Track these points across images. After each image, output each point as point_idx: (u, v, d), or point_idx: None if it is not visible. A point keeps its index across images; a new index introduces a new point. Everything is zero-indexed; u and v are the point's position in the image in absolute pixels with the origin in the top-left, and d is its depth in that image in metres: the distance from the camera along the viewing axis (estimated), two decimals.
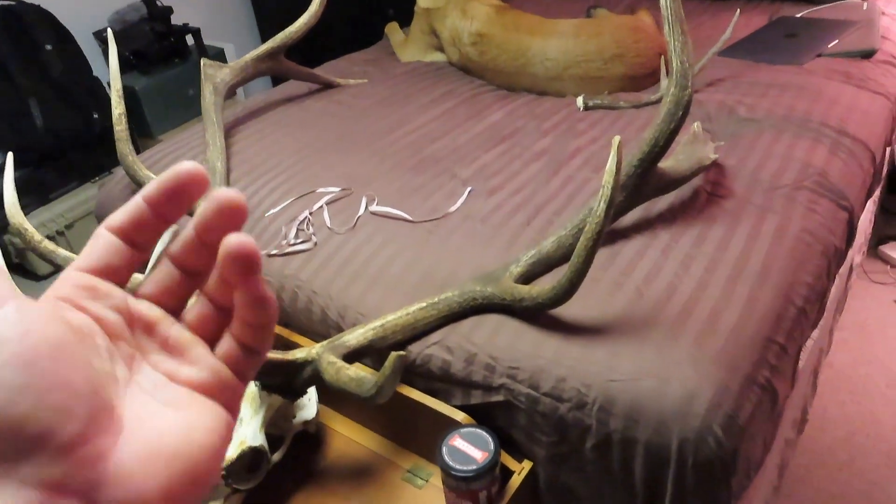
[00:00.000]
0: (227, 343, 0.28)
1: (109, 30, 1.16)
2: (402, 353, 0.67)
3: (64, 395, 0.23)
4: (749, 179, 1.08)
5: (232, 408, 0.27)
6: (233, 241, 0.25)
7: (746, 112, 1.28)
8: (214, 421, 0.26)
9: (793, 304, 0.89)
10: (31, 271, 2.28)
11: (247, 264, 0.26)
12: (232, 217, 0.26)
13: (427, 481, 0.96)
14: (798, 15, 1.71)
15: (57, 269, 1.01)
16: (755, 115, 1.26)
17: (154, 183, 0.27)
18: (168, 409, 0.26)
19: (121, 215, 0.27)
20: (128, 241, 0.27)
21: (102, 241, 0.27)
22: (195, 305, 0.28)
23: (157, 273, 0.28)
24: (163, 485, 0.24)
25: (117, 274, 0.27)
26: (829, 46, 1.52)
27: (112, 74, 1.14)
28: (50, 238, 2.23)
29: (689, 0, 1.93)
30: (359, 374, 0.77)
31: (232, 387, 0.27)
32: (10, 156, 0.96)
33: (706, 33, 1.70)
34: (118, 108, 1.15)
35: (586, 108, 1.40)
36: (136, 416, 0.24)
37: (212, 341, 0.28)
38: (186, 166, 0.27)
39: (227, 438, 0.26)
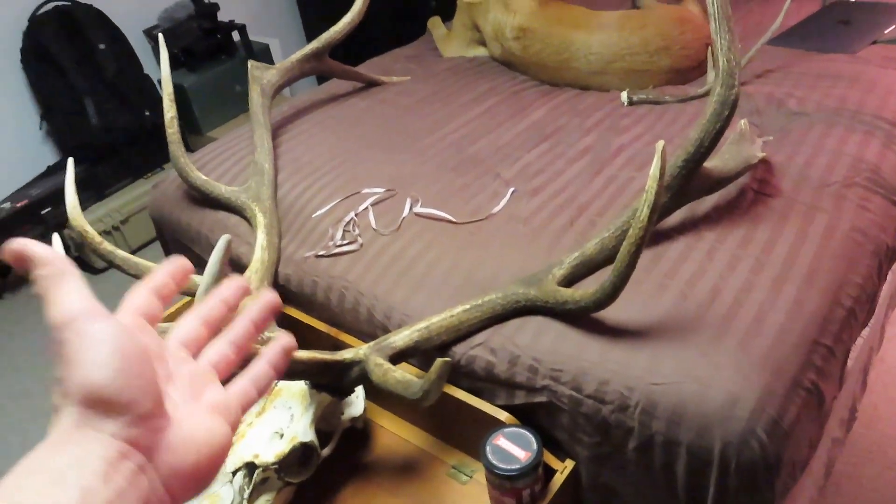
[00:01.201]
0: (241, 384, 0.40)
1: (161, 35, 1.19)
2: (447, 359, 0.69)
3: (143, 382, 0.33)
4: (797, 177, 1.06)
5: (232, 420, 0.38)
6: (272, 300, 0.43)
7: (796, 105, 1.25)
8: (224, 431, 0.37)
9: (841, 306, 0.88)
10: (89, 265, 2.39)
11: (276, 310, 0.43)
12: (245, 294, 0.44)
13: (471, 477, 0.98)
14: (853, 0, 1.65)
15: (112, 266, 1.06)
16: (805, 109, 1.24)
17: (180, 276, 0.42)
18: (198, 412, 0.37)
19: (152, 283, 0.40)
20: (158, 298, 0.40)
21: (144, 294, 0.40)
22: (219, 349, 0.40)
23: (186, 328, 0.40)
24: (193, 462, 0.35)
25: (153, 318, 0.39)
26: (886, 32, 1.47)
27: (164, 79, 1.18)
28: (106, 233, 2.33)
29: None
30: (405, 377, 0.79)
31: (235, 413, 0.38)
32: (70, 161, 1.01)
33: (755, 20, 1.66)
34: (170, 111, 1.19)
35: (630, 103, 1.39)
36: (175, 414, 0.35)
37: (224, 374, 0.40)
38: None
39: (229, 445, 0.37)
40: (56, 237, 0.92)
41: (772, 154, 1.11)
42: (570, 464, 0.90)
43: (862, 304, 0.93)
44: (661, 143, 0.75)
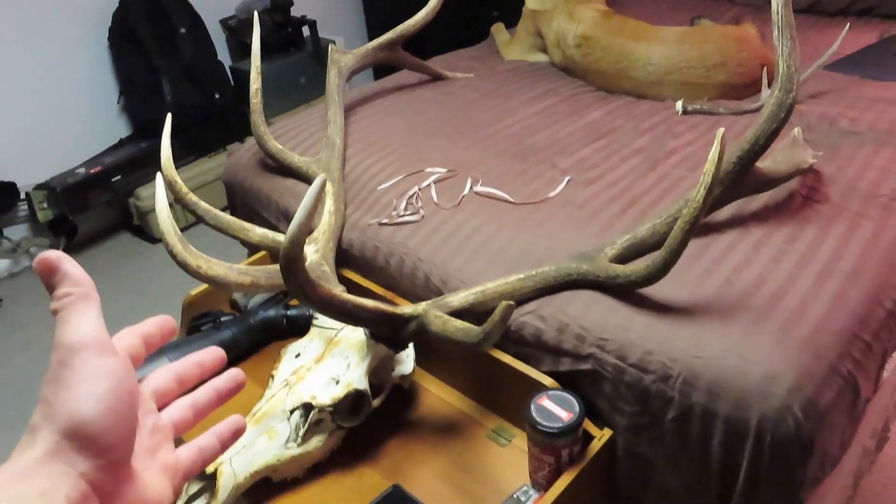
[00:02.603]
0: (188, 451, 0.42)
1: (256, 14, 1.29)
2: (511, 302, 0.75)
3: (125, 429, 0.34)
4: (846, 187, 1.10)
5: (176, 486, 0.40)
6: (237, 375, 0.46)
7: (848, 124, 1.30)
8: (168, 495, 0.38)
9: (881, 306, 0.92)
10: (148, 234, 2.51)
11: (240, 386, 0.46)
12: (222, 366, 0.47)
13: (510, 441, 1.04)
14: None
15: (194, 215, 1.14)
16: (857, 129, 1.28)
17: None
18: (153, 468, 0.38)
19: (142, 329, 0.42)
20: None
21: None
22: (180, 409, 0.43)
23: (158, 378, 0.43)
24: None
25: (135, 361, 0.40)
26: None
27: (253, 53, 1.27)
28: (170, 205, 2.44)
29: (796, 13, 1.93)
30: (465, 325, 0.85)
31: (180, 479, 0.40)
32: (168, 116, 1.10)
33: (812, 47, 1.70)
34: (256, 83, 1.28)
35: (685, 112, 1.44)
36: (134, 465, 0.36)
37: (179, 434, 0.42)
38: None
39: (173, 499, 0.39)
40: (159, 177, 1.01)
41: (822, 166, 1.16)
42: (608, 432, 0.95)
43: None
44: (721, 130, 0.80)
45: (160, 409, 0.42)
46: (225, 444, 0.43)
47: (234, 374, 0.45)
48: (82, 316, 0.34)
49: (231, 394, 0.45)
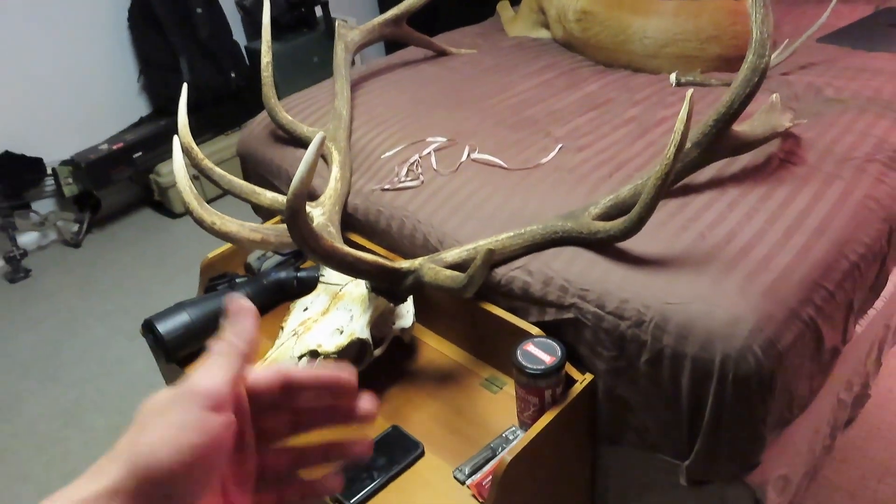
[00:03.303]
0: None
1: None
2: (491, 247, 0.83)
3: (199, 488, 0.32)
4: (822, 150, 1.16)
5: None
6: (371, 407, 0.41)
7: (833, 93, 1.35)
8: None
9: (845, 258, 0.98)
10: (169, 210, 2.61)
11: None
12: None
13: (501, 389, 1.12)
14: None
15: (209, 178, 1.23)
16: (841, 96, 1.33)
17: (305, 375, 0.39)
18: (238, 492, 0.36)
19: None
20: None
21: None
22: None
23: (265, 379, 0.38)
24: None
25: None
26: None
27: (264, 28, 1.35)
28: (194, 178, 2.55)
29: None
30: (453, 273, 0.94)
31: None
32: (185, 86, 1.18)
33: (808, 21, 1.74)
34: (266, 56, 1.36)
35: (678, 84, 1.50)
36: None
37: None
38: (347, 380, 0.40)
39: None
40: (176, 140, 1.10)
41: (802, 131, 1.22)
42: (589, 376, 1.03)
43: (868, 263, 1.03)
44: (690, 91, 0.87)
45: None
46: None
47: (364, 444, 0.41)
48: (220, 365, 0.34)
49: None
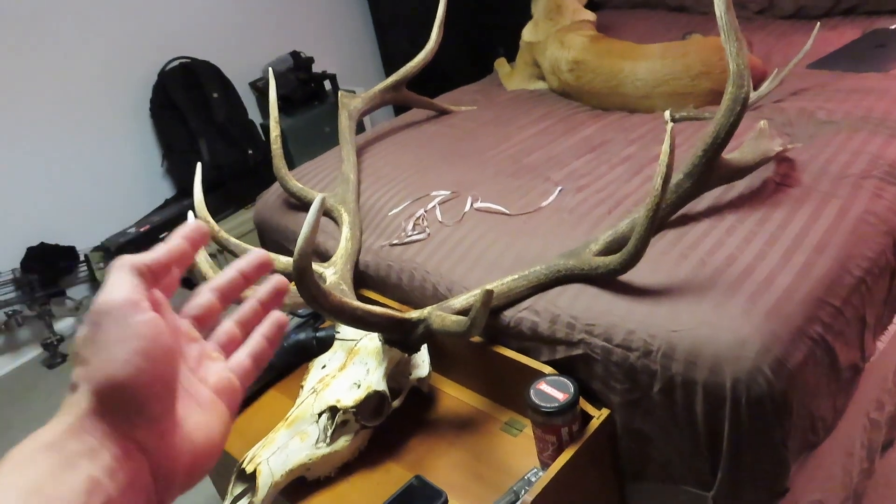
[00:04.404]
0: (239, 358, 0.41)
1: (271, 70, 1.46)
2: (490, 288, 0.86)
3: (161, 387, 0.34)
4: (817, 171, 1.17)
5: (232, 408, 0.39)
6: (279, 282, 0.44)
7: (825, 115, 1.37)
8: (222, 422, 0.38)
9: (849, 273, 0.98)
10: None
11: (282, 293, 0.44)
12: (265, 271, 0.44)
13: (521, 431, 1.12)
14: (892, 27, 1.76)
15: (226, 250, 1.28)
16: (833, 118, 1.35)
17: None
18: (197, 410, 0.37)
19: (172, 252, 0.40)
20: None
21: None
22: (226, 329, 0.42)
23: (200, 301, 0.41)
24: (188, 465, 0.36)
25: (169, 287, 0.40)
26: None
27: (271, 103, 1.44)
28: (212, 256, 2.63)
29: (784, 19, 2.02)
30: (458, 318, 0.96)
31: (235, 392, 0.40)
32: (199, 165, 1.26)
33: (797, 50, 1.78)
34: (275, 130, 1.44)
35: (673, 120, 1.54)
36: (179, 410, 0.36)
37: (230, 353, 0.42)
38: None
39: (226, 435, 0.38)
40: (190, 213, 1.16)
41: (797, 155, 1.23)
42: (605, 411, 1.03)
43: (875, 277, 1.03)
44: (670, 124, 0.90)
45: (207, 330, 0.41)
46: (273, 342, 0.42)
47: (276, 282, 0.43)
48: (118, 279, 0.35)
49: (275, 302, 0.43)
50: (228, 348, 0.42)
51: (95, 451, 0.32)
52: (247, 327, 0.43)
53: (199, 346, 0.40)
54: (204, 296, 0.41)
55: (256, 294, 0.43)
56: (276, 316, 0.43)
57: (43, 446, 0.31)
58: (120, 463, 0.32)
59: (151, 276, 0.37)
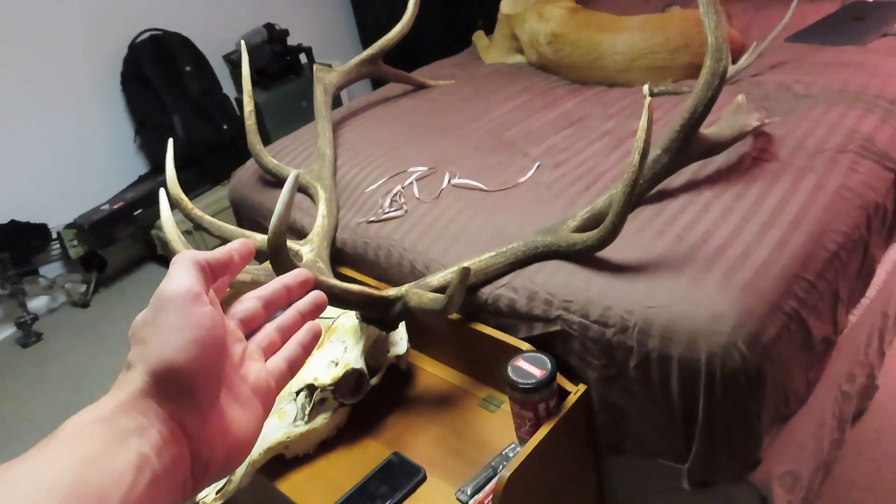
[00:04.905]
0: (277, 362, 0.44)
1: (243, 42, 1.42)
2: (466, 265, 0.85)
3: (211, 376, 0.36)
4: (794, 146, 1.17)
5: (267, 407, 0.42)
6: (319, 298, 0.47)
7: (803, 89, 1.37)
8: (257, 419, 0.41)
9: (824, 248, 0.99)
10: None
11: (321, 307, 0.48)
12: (307, 288, 0.47)
13: (499, 407, 1.13)
14: (870, 0, 1.76)
15: (200, 228, 1.26)
16: (811, 92, 1.35)
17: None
18: (236, 405, 0.40)
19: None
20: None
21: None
22: (268, 334, 0.45)
23: (246, 306, 0.44)
24: (223, 456, 0.38)
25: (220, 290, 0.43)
26: None
27: (244, 77, 1.40)
28: (187, 233, 2.59)
29: None
30: (435, 295, 0.95)
31: (271, 392, 0.42)
32: (171, 141, 1.23)
33: (776, 23, 1.77)
34: (248, 105, 1.41)
35: (652, 94, 1.53)
36: (223, 406, 0.39)
37: (269, 356, 0.45)
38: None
39: (259, 431, 0.41)
40: (162, 192, 1.13)
41: (773, 129, 1.23)
42: (582, 387, 1.03)
43: (849, 252, 1.03)
44: (648, 99, 0.90)
45: (249, 334, 0.44)
46: (307, 349, 0.46)
47: (315, 297, 0.47)
48: (183, 270, 0.37)
49: (313, 315, 0.47)
50: (268, 352, 0.44)
51: (145, 429, 0.33)
52: (286, 334, 0.46)
53: (243, 346, 0.43)
54: (250, 302, 0.44)
55: (297, 305, 0.47)
56: (311, 325, 0.46)
57: (97, 420, 0.33)
58: (167, 443, 0.34)
59: (211, 273, 0.39)
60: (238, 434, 0.39)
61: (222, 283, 0.42)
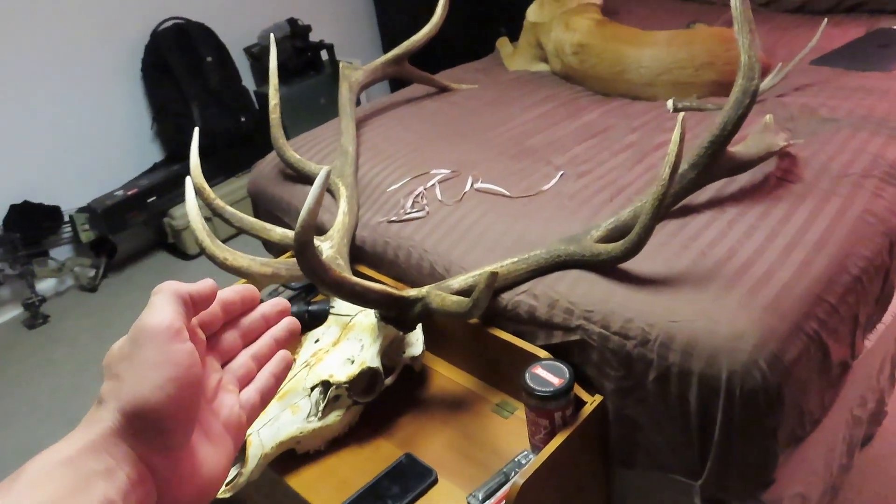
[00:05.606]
0: (250, 393, 0.43)
1: (272, 35, 1.43)
2: (494, 270, 0.85)
3: (184, 417, 0.35)
4: (819, 168, 1.18)
5: (237, 443, 0.41)
6: (293, 324, 0.46)
7: (827, 112, 1.37)
8: (227, 457, 0.39)
9: (847, 272, 0.99)
10: (183, 251, 2.66)
11: (295, 333, 0.46)
12: (284, 316, 0.47)
13: (512, 413, 1.13)
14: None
15: (220, 217, 1.26)
16: (835, 116, 1.35)
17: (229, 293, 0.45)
18: (207, 443, 0.38)
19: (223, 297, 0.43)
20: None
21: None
22: (243, 363, 0.44)
23: (225, 337, 0.43)
24: (193, 495, 0.37)
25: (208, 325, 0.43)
26: None
27: (271, 72, 1.41)
28: (207, 219, 2.60)
29: (787, 13, 2.01)
30: (459, 298, 0.95)
31: (242, 428, 0.41)
32: (196, 130, 1.23)
33: (802, 46, 1.77)
34: (274, 99, 1.41)
35: (675, 109, 1.53)
36: (194, 445, 0.37)
37: (244, 385, 0.44)
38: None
39: (229, 468, 0.40)
40: (188, 180, 1.14)
41: (799, 151, 1.24)
42: (598, 398, 1.04)
43: (871, 276, 1.04)
44: (681, 114, 0.90)
45: (225, 361, 0.43)
46: (279, 379, 0.45)
47: (289, 323, 0.46)
48: (164, 303, 0.36)
49: (287, 341, 0.46)
50: (244, 380, 0.43)
51: (112, 472, 0.32)
52: (261, 362, 0.45)
53: (218, 377, 0.42)
54: (227, 333, 0.44)
55: (272, 332, 0.46)
56: (283, 354, 0.46)
57: (61, 462, 0.32)
58: (134, 486, 0.33)
59: (193, 306, 0.38)
60: (206, 475, 0.38)
61: (217, 317, 0.42)
